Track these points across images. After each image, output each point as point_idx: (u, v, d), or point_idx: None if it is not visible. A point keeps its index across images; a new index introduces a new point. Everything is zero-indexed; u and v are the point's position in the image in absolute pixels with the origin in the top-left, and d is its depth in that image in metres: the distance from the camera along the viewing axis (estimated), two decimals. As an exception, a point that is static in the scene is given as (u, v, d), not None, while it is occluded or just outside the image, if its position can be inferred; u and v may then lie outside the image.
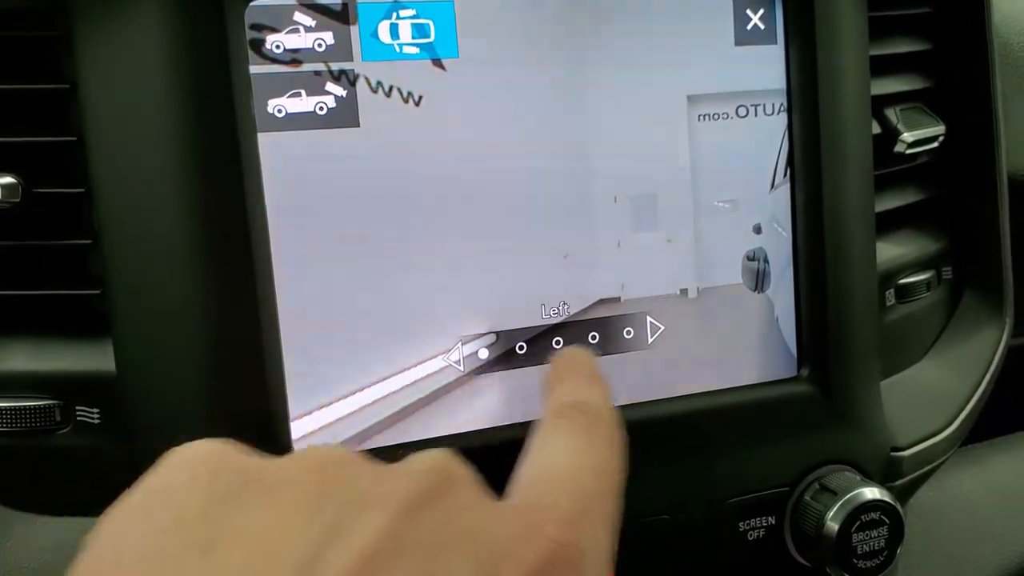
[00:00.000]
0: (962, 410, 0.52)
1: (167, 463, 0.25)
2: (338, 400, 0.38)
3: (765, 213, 0.43)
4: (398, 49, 0.37)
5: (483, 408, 0.40)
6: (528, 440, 0.30)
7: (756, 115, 0.43)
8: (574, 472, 0.28)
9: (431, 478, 0.24)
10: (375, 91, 0.37)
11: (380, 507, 0.23)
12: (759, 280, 0.43)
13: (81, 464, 0.38)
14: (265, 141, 0.36)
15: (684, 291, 0.42)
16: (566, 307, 0.41)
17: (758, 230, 0.43)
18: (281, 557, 0.21)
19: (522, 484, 0.27)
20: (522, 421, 0.40)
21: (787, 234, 0.44)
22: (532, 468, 0.28)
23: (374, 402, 0.38)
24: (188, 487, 0.23)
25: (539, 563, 0.24)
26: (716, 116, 0.42)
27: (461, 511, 0.24)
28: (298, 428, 0.37)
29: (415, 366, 0.39)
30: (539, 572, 0.24)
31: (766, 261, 0.43)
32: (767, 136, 0.43)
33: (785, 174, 0.43)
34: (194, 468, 0.24)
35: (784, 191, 0.44)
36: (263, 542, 0.22)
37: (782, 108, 0.43)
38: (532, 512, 0.25)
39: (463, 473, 0.26)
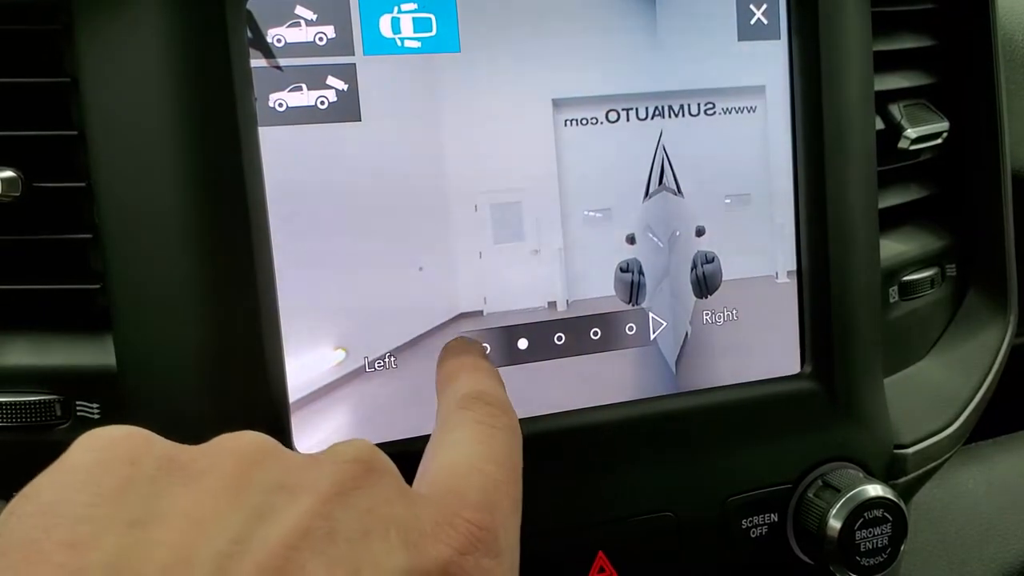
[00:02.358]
0: (966, 408, 0.51)
1: (82, 445, 0.24)
2: (338, 392, 0.38)
3: (639, 223, 0.42)
4: (399, 43, 0.37)
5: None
6: (433, 433, 0.31)
7: (628, 120, 0.41)
8: (480, 463, 0.29)
9: (356, 467, 0.25)
10: (376, 85, 0.37)
11: (309, 492, 0.24)
12: (633, 292, 0.41)
13: (81, 459, 0.38)
14: (266, 135, 0.36)
15: (553, 304, 0.41)
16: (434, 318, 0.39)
17: (632, 240, 0.41)
18: (212, 535, 0.22)
19: (432, 475, 0.29)
20: (523, 417, 0.40)
21: (663, 244, 0.42)
22: (440, 460, 0.29)
23: (374, 394, 0.38)
24: (107, 469, 0.23)
25: (460, 545, 0.25)
26: (584, 121, 0.40)
27: (386, 498, 0.25)
28: (298, 420, 0.37)
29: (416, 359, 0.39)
30: (460, 553, 0.25)
31: (641, 272, 0.42)
32: (640, 142, 0.41)
33: (660, 183, 0.42)
34: (112, 452, 0.24)
35: (658, 200, 0.41)
36: (192, 521, 0.22)
37: (656, 113, 0.41)
38: (448, 500, 0.27)
39: (386, 463, 0.27)
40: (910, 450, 0.48)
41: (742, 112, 0.42)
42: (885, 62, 0.49)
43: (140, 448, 0.24)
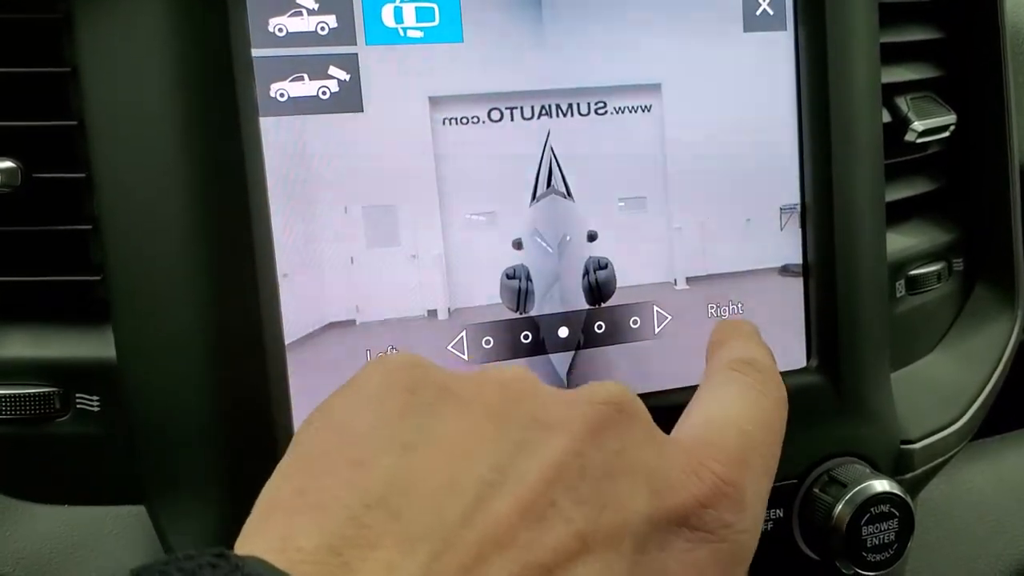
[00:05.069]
0: (973, 403, 0.51)
1: (367, 372, 0.26)
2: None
3: (526, 227, 0.39)
4: (402, 33, 0.37)
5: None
6: (698, 389, 0.31)
7: (512, 119, 0.39)
8: (742, 421, 0.29)
9: (609, 408, 0.26)
10: (379, 75, 0.37)
11: (565, 429, 0.25)
12: (520, 300, 0.39)
13: (81, 452, 0.37)
14: (267, 125, 0.35)
15: (433, 312, 0.38)
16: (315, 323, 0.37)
17: (518, 245, 0.39)
18: (476, 462, 0.23)
19: (691, 425, 0.29)
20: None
21: (553, 249, 0.40)
22: (703, 413, 0.30)
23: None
24: (388, 394, 0.25)
25: (704, 497, 0.26)
26: (464, 120, 0.38)
27: (636, 442, 0.26)
28: (299, 415, 0.37)
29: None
30: (703, 505, 0.26)
31: (528, 279, 0.39)
32: (526, 143, 0.39)
33: (549, 185, 0.39)
34: (394, 379, 0.26)
35: (546, 203, 0.39)
36: (459, 448, 0.24)
37: (542, 112, 0.39)
38: (700, 450, 0.27)
39: (639, 407, 0.27)
40: (917, 445, 0.47)
41: (636, 111, 0.40)
42: (892, 54, 0.49)
43: (418, 377, 0.26)
